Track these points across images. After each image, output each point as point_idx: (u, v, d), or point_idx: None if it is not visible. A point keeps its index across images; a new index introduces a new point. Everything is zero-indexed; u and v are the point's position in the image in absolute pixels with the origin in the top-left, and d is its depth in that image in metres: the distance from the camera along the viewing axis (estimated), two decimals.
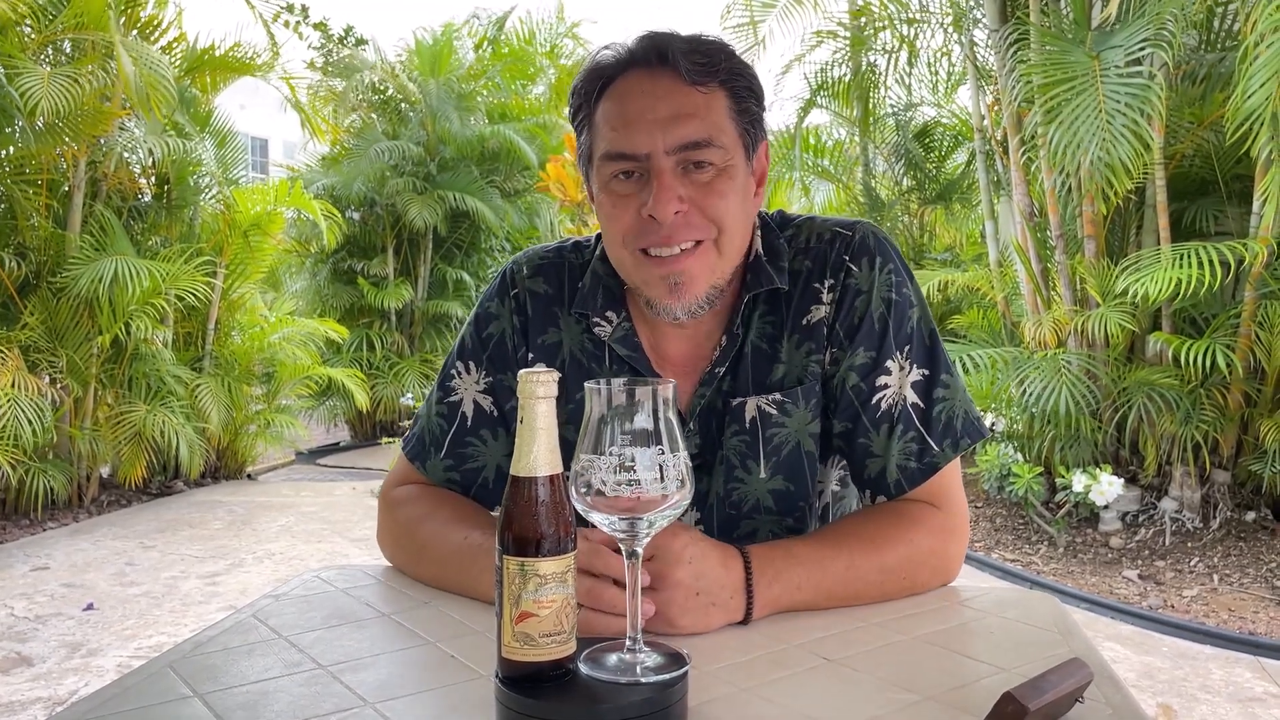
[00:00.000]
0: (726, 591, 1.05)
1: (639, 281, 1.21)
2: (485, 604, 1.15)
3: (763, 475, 1.25)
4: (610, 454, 0.84)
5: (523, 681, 0.82)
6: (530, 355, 1.31)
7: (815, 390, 1.25)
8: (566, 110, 1.26)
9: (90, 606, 4.33)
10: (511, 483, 0.83)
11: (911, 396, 1.22)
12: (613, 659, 0.88)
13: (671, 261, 1.16)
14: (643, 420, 0.85)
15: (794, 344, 1.25)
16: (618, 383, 0.86)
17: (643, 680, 0.84)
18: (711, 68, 1.15)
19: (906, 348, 1.23)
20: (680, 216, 1.14)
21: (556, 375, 0.83)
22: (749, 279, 1.25)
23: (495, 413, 1.32)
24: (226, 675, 0.95)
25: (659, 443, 0.85)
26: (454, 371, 1.35)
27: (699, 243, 1.16)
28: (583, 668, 0.86)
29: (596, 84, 1.19)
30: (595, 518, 0.86)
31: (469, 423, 1.32)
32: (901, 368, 1.23)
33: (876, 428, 1.22)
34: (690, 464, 0.88)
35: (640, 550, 0.89)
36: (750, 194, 1.22)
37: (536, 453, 0.83)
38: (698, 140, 1.13)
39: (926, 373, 1.24)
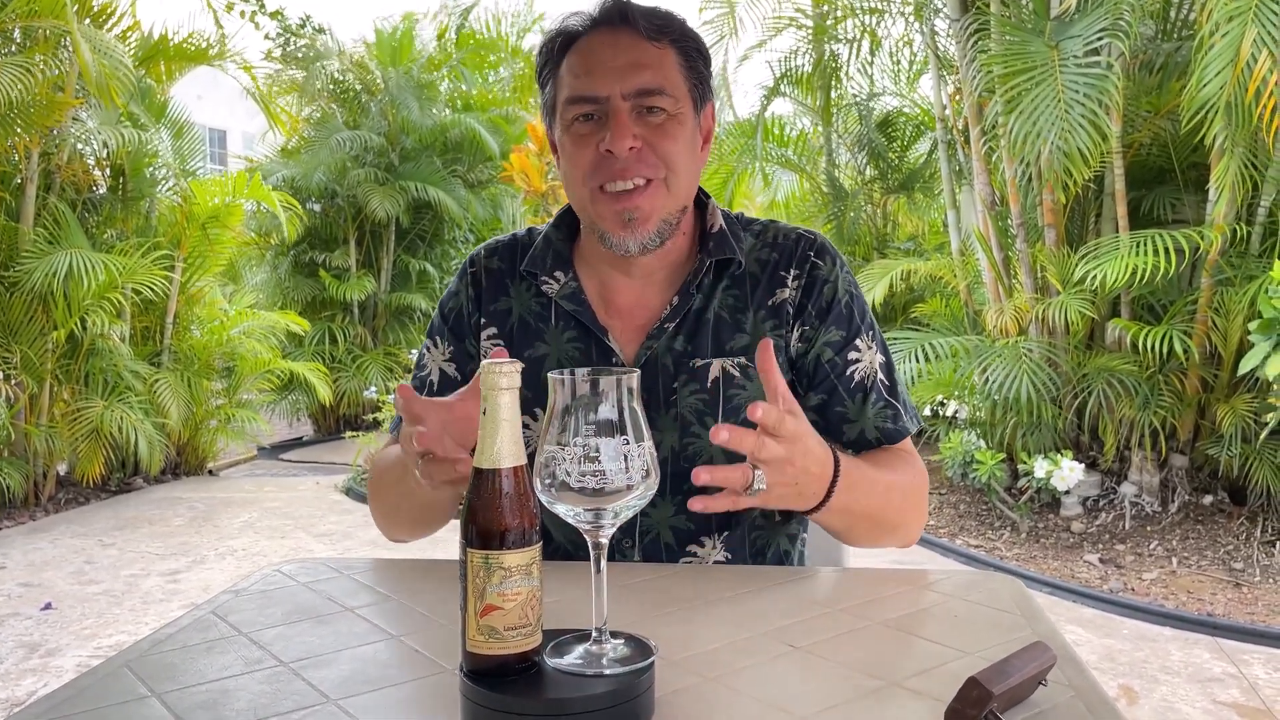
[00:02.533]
0: (814, 488, 1.14)
1: (595, 216, 1.31)
2: (449, 596, 1.14)
3: None
4: (575, 445, 0.83)
5: (488, 675, 0.81)
6: (483, 320, 1.41)
7: (780, 361, 1.33)
8: (536, 59, 1.37)
9: (48, 606, 4.26)
10: (475, 475, 0.82)
11: (880, 373, 1.36)
12: (578, 650, 0.87)
13: (625, 198, 1.27)
14: (607, 410, 0.84)
15: (759, 319, 1.35)
16: (581, 373, 0.84)
17: (607, 671, 0.83)
18: (666, 28, 1.29)
19: (870, 333, 1.38)
20: (634, 153, 1.25)
21: (519, 366, 0.82)
22: (711, 246, 1.36)
23: (459, 378, 1.41)
24: (185, 674, 0.94)
25: (624, 433, 0.84)
26: (424, 350, 1.47)
27: (650, 181, 1.27)
28: (548, 659, 0.85)
29: (561, 41, 1.31)
30: (560, 509, 0.86)
31: (435, 389, 1.41)
32: (869, 347, 1.37)
33: (852, 396, 1.34)
34: (655, 453, 0.87)
35: (605, 542, 0.88)
36: (698, 146, 1.34)
37: (500, 444, 0.81)
38: (651, 88, 1.25)
39: (885, 359, 1.39)
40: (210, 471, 7.49)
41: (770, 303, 1.36)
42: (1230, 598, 4.16)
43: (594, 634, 0.88)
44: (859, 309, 1.37)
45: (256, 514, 6.00)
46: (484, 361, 0.84)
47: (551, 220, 1.44)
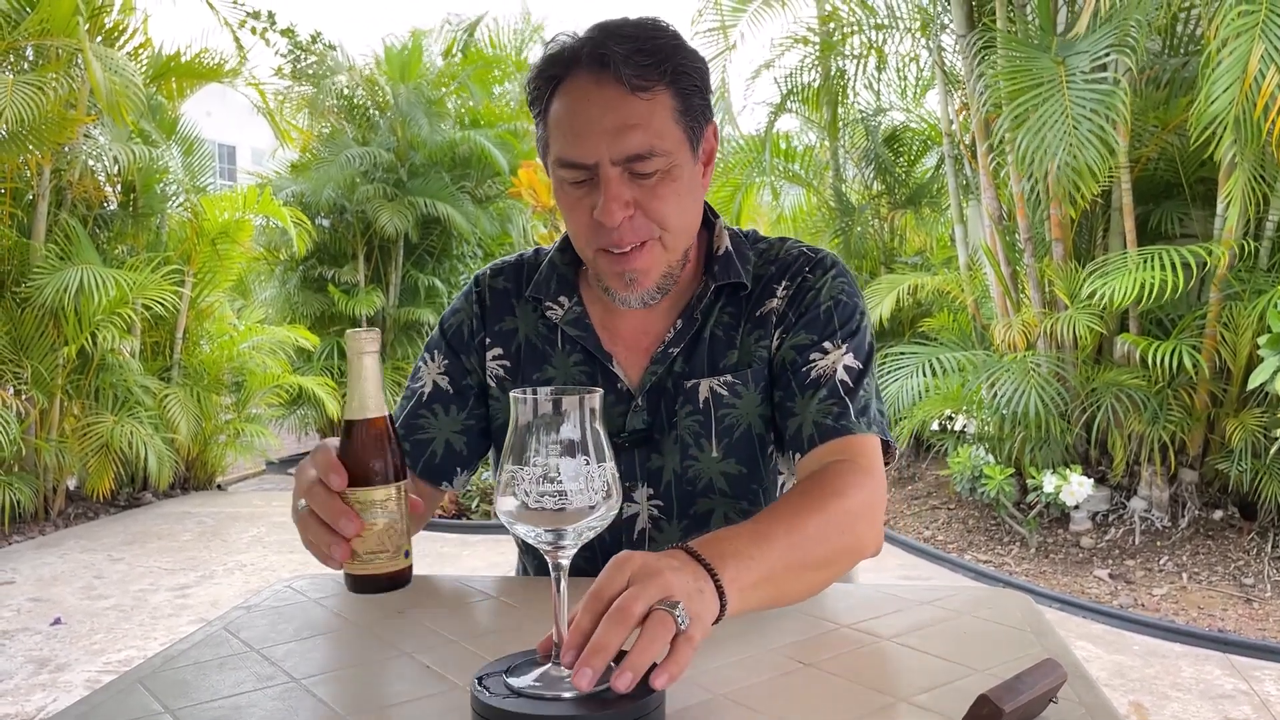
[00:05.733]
0: (705, 603, 0.89)
1: (597, 272, 1.31)
2: (461, 613, 1.14)
3: (715, 454, 1.33)
4: (534, 464, 0.83)
5: (361, 591, 1.00)
6: (488, 340, 1.42)
7: (764, 374, 1.33)
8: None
9: (58, 621, 4.27)
10: (345, 425, 0.99)
11: (841, 374, 1.29)
12: (536, 672, 0.87)
13: (623, 260, 1.25)
14: (568, 430, 0.84)
15: (747, 331, 1.34)
16: (543, 392, 0.85)
17: (565, 695, 0.83)
18: (655, 69, 1.19)
19: (848, 341, 1.31)
20: (627, 220, 1.22)
21: (378, 333, 0.97)
22: (716, 270, 1.34)
23: (451, 390, 1.41)
24: (198, 690, 0.94)
25: (585, 453, 0.84)
26: (420, 364, 1.47)
27: (645, 242, 1.24)
28: (506, 678, 0.85)
29: (548, 79, 1.24)
30: (520, 529, 0.85)
31: (425, 399, 1.42)
32: (838, 349, 1.30)
33: (802, 391, 1.29)
34: (617, 474, 0.87)
35: (565, 563, 0.87)
36: (696, 181, 1.28)
37: (364, 397, 0.98)
38: (640, 153, 1.19)
39: (859, 366, 1.30)
40: (219, 486, 7.50)
41: (758, 314, 1.34)
42: (1241, 613, 4.14)
43: (554, 656, 0.88)
44: (841, 316, 1.32)
45: (265, 528, 6.01)
46: (348, 331, 0.98)
47: (556, 244, 1.43)
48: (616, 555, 0.88)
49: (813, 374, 1.29)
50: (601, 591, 0.84)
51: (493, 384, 1.41)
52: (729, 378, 1.32)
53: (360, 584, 1.00)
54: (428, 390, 1.42)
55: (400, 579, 1.01)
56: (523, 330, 1.41)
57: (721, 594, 0.91)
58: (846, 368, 1.29)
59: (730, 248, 1.36)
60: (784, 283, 1.35)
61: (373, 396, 0.99)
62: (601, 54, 1.18)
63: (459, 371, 1.42)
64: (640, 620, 0.82)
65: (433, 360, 1.44)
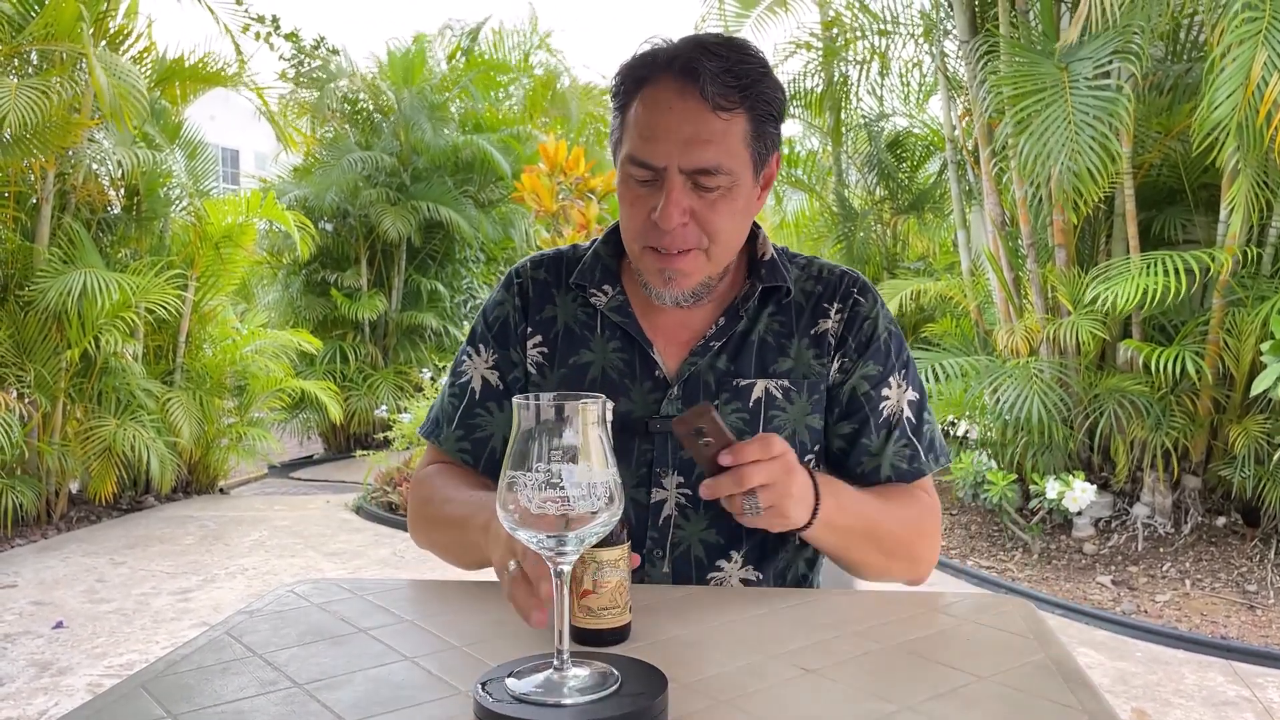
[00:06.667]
0: (809, 492, 1.20)
1: (640, 267, 1.37)
2: (463, 619, 1.14)
3: None
4: (537, 470, 0.83)
5: (587, 643, 1.03)
6: (529, 329, 1.45)
7: (820, 389, 1.40)
8: (610, 87, 1.37)
9: (60, 624, 4.27)
10: None
11: (906, 411, 1.41)
12: (538, 678, 0.87)
13: (668, 259, 1.31)
14: (571, 436, 0.84)
15: (803, 346, 1.41)
16: (546, 398, 0.85)
17: (565, 701, 0.83)
18: (739, 91, 1.26)
19: (904, 371, 1.43)
20: (681, 227, 1.28)
21: (609, 403, 0.88)
22: (764, 273, 1.41)
23: (501, 386, 1.45)
24: (201, 695, 0.94)
25: (587, 459, 0.84)
26: (464, 358, 1.49)
27: (691, 249, 1.31)
28: (507, 683, 0.86)
29: (636, 79, 1.30)
30: (522, 535, 0.85)
31: (477, 396, 1.45)
32: (900, 385, 1.42)
33: (878, 431, 1.39)
34: (619, 480, 0.87)
35: (567, 570, 0.87)
36: (752, 202, 1.35)
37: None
38: (708, 168, 1.25)
39: (917, 397, 1.43)
40: (221, 490, 7.50)
41: (813, 331, 1.41)
42: (1244, 620, 4.13)
43: (555, 661, 0.88)
44: (896, 346, 1.42)
45: (267, 532, 6.01)
46: (582, 404, 0.86)
47: (600, 237, 1.49)
48: (769, 436, 1.16)
49: (885, 412, 1.40)
50: (745, 452, 1.13)
51: (534, 371, 1.45)
52: (785, 383, 1.39)
53: (589, 637, 1.04)
54: (478, 387, 1.45)
55: (624, 633, 1.06)
56: (562, 318, 1.45)
57: (813, 518, 1.21)
58: (910, 403, 1.41)
59: (775, 255, 1.43)
60: (835, 304, 1.42)
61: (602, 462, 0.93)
62: (693, 67, 1.24)
63: (507, 365, 1.45)
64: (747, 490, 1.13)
65: (478, 354, 1.47)
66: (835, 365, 1.41)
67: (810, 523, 1.21)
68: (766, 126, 1.31)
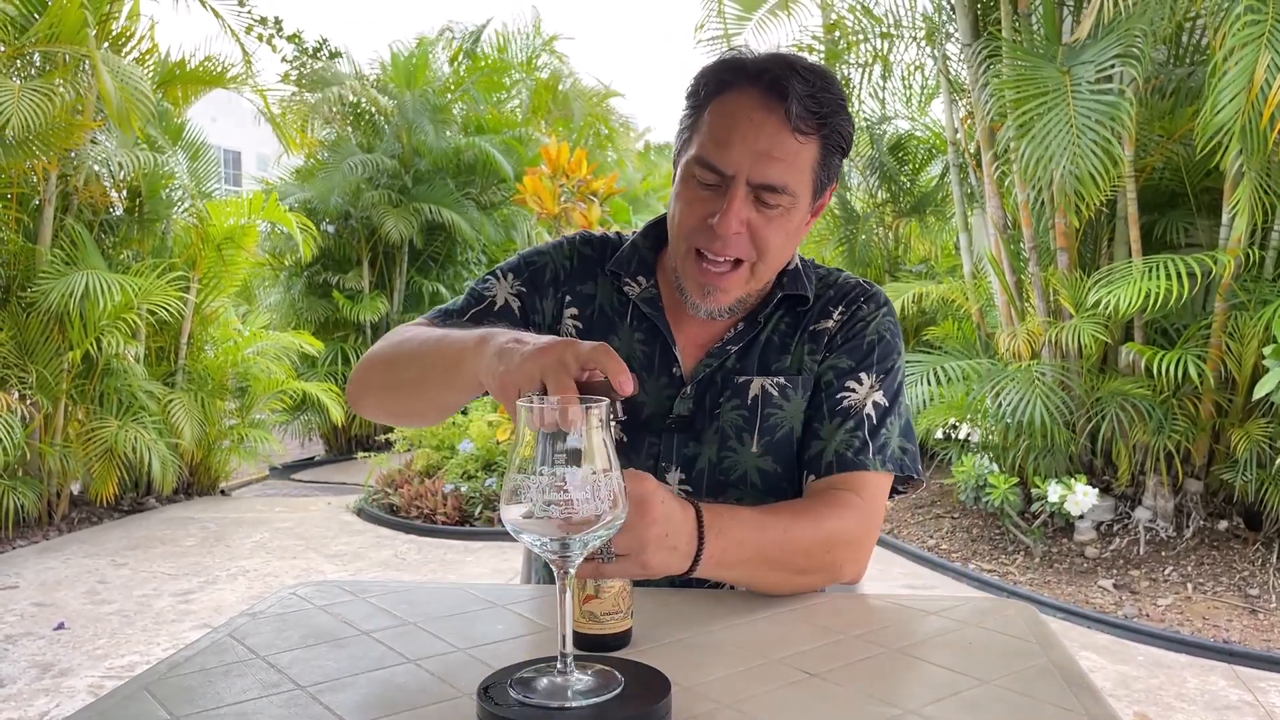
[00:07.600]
0: (684, 537, 1.11)
1: (682, 272, 1.37)
2: (465, 621, 1.14)
3: (754, 450, 1.38)
4: (541, 473, 0.83)
5: (590, 650, 1.01)
6: (568, 297, 1.46)
7: (810, 384, 1.41)
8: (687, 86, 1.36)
9: (61, 626, 4.27)
10: None
11: (869, 409, 1.38)
12: (542, 681, 0.87)
13: (713, 275, 1.32)
14: (575, 439, 0.83)
15: (802, 341, 1.43)
16: (550, 401, 0.85)
17: (570, 704, 0.83)
18: (818, 118, 1.28)
19: (881, 377, 1.40)
20: (735, 236, 1.29)
21: (612, 411, 0.87)
22: (786, 281, 1.43)
23: (519, 315, 1.45)
24: (203, 697, 0.94)
25: (591, 462, 0.84)
26: (490, 278, 1.48)
27: (739, 263, 1.32)
28: (508, 688, 0.85)
29: (719, 82, 1.31)
30: (526, 539, 0.85)
31: (495, 307, 1.44)
32: (871, 385, 1.39)
33: (832, 418, 1.37)
34: (623, 484, 0.87)
35: (573, 571, 0.87)
36: (801, 227, 1.37)
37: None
38: (775, 185, 1.27)
39: (886, 404, 1.39)
40: (222, 491, 7.51)
41: (813, 329, 1.43)
42: (1246, 624, 4.13)
43: (558, 664, 0.88)
44: (881, 352, 1.41)
45: (268, 534, 6.01)
46: (586, 407, 0.84)
47: (640, 230, 1.52)
48: (649, 490, 1.06)
49: (844, 403, 1.37)
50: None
51: None
52: (781, 380, 1.40)
53: (591, 643, 1.03)
54: (499, 303, 1.45)
55: (625, 638, 1.05)
56: (600, 298, 1.47)
57: (695, 563, 1.12)
58: (875, 404, 1.38)
59: (799, 265, 1.46)
60: (840, 307, 1.44)
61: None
62: (782, 85, 1.25)
63: (531, 306, 1.46)
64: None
65: (506, 279, 1.47)
66: (822, 358, 1.42)
67: (692, 568, 1.13)
68: (833, 158, 1.33)
